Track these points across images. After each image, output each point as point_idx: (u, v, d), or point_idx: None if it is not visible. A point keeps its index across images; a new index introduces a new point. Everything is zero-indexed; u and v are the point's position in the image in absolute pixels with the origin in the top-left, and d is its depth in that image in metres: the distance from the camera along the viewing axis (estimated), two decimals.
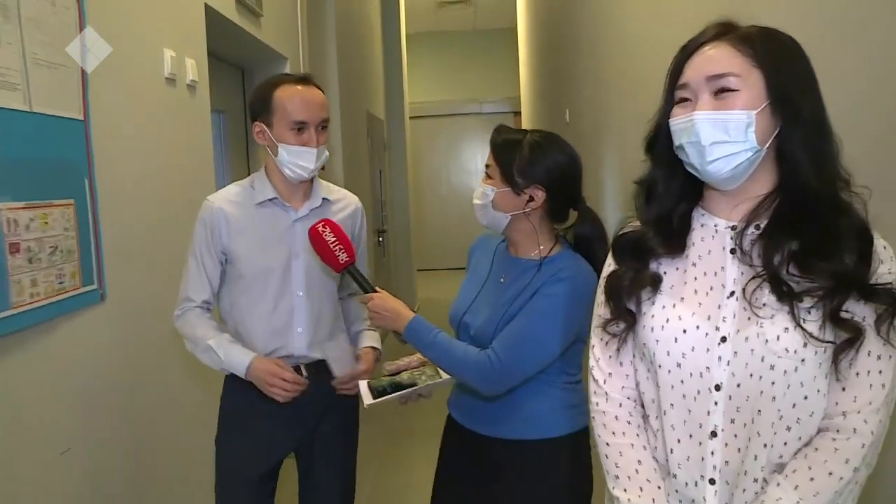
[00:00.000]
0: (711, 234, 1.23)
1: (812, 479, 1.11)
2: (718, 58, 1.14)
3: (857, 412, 1.12)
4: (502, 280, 1.81)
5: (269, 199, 2.00)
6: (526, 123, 9.35)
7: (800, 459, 1.14)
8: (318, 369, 2.04)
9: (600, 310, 1.34)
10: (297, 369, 2.01)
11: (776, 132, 1.14)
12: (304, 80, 2.02)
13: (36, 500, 1.69)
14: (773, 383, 1.13)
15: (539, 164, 1.74)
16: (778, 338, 1.11)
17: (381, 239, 7.18)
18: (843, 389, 1.13)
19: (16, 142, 1.60)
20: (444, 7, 10.32)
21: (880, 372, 1.11)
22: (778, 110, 1.13)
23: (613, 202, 3.69)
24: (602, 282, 1.36)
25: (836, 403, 1.13)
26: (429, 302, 8.89)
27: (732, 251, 1.19)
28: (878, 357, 1.11)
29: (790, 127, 1.13)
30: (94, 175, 1.92)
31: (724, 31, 1.17)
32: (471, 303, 1.85)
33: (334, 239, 1.82)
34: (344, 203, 2.15)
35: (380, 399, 1.85)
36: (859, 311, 1.10)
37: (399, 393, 1.85)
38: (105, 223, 1.96)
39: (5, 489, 1.59)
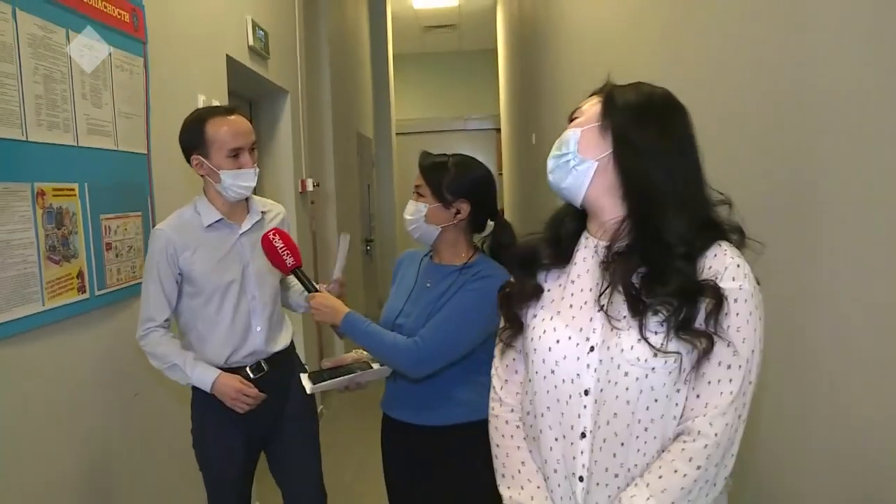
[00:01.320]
0: (591, 254, 1.32)
1: (661, 476, 1.19)
2: (585, 103, 1.34)
3: (704, 415, 1.18)
4: (428, 285, 2.00)
5: (217, 221, 2.20)
6: (504, 140, 9.99)
7: (655, 462, 1.22)
8: (276, 359, 2.29)
9: (500, 319, 1.46)
10: (258, 365, 2.25)
11: (609, 152, 1.26)
12: (229, 110, 2.21)
13: (116, 432, 2.34)
14: (627, 389, 1.21)
15: (463, 180, 1.97)
16: (631, 347, 1.21)
17: (368, 248, 7.79)
18: (698, 396, 1.20)
19: (110, 171, 2.27)
20: (430, 31, 10.96)
21: (730, 380, 1.18)
22: (608, 131, 1.26)
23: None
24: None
25: (692, 409, 1.21)
26: None
27: (604, 268, 1.28)
28: (728, 366, 1.18)
29: (617, 146, 1.25)
30: (154, 194, 2.59)
31: (604, 87, 1.33)
32: (401, 308, 2.01)
33: (282, 245, 2.03)
34: (273, 213, 2.37)
35: (318, 384, 2.03)
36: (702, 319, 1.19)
37: (336, 379, 2.03)
38: None
39: (98, 414, 2.23)
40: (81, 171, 2.10)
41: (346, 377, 2.04)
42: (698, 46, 1.89)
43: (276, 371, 2.29)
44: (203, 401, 2.23)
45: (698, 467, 1.17)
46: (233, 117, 2.17)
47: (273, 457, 2.40)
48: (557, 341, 1.29)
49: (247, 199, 2.28)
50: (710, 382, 1.19)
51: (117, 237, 2.30)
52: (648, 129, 1.24)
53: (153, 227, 2.55)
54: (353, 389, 2.10)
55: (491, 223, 2.04)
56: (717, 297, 1.17)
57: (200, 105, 3.07)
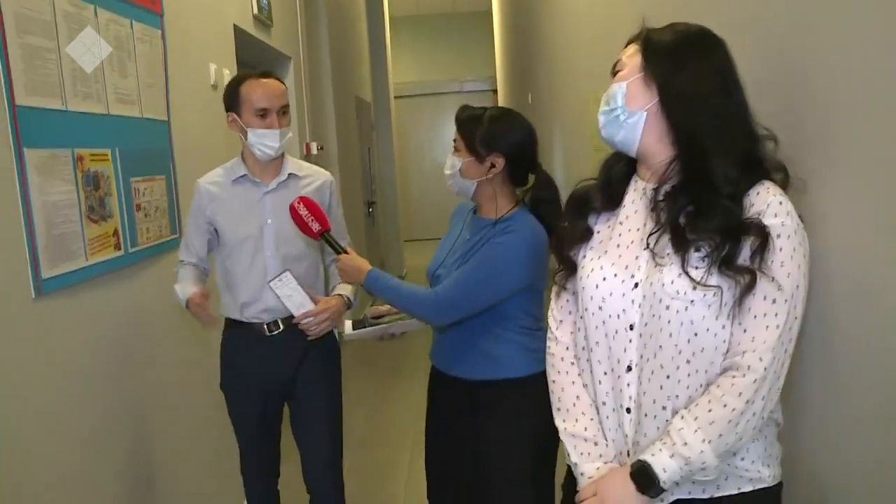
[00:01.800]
0: (640, 196, 1.38)
1: (710, 410, 1.22)
2: (624, 52, 1.37)
3: (753, 351, 1.20)
4: (468, 237, 2.04)
5: (241, 176, 2.34)
6: (501, 101, 10.09)
7: (703, 396, 1.25)
8: (293, 321, 2.32)
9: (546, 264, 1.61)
10: (274, 322, 2.35)
11: (655, 100, 1.29)
12: (265, 74, 2.34)
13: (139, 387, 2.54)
14: (669, 322, 1.26)
15: (497, 134, 1.96)
16: (672, 282, 1.25)
17: (370, 210, 7.96)
18: (745, 331, 1.22)
19: (136, 138, 2.44)
20: None
21: (776, 314, 1.19)
22: (652, 81, 1.29)
23: (561, 170, 4.50)
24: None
25: (739, 344, 1.23)
26: (415, 268, 9.46)
27: (652, 209, 1.32)
28: (774, 301, 1.20)
29: (662, 92, 1.28)
30: (175, 158, 2.76)
31: (640, 34, 1.36)
32: (443, 259, 2.08)
33: (307, 212, 2.11)
34: (312, 178, 2.43)
35: (356, 331, 2.16)
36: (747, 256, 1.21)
37: (369, 329, 2.15)
38: (181, 191, 2.79)
39: (142, 367, 2.43)
40: (113, 137, 2.27)
41: (379, 327, 2.15)
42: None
43: (296, 332, 2.33)
44: (225, 347, 2.45)
45: (747, 401, 1.20)
46: (266, 80, 2.30)
47: (292, 416, 2.50)
48: (604, 279, 1.36)
49: (282, 161, 2.39)
50: (756, 317, 1.21)
51: (145, 198, 2.48)
52: (689, 72, 1.26)
53: (175, 188, 2.74)
54: (386, 339, 2.19)
55: (532, 177, 2.05)
56: (763, 235, 1.19)
57: (212, 73, 3.23)
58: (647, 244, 1.31)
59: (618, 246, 1.37)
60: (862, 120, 1.21)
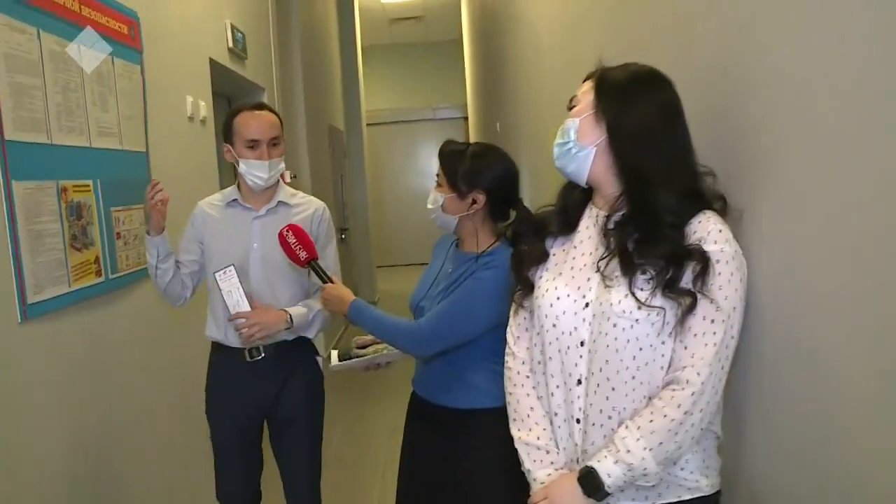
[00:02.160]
0: (594, 222, 1.48)
1: (651, 420, 1.31)
2: (581, 88, 1.47)
3: (692, 366, 1.30)
4: (450, 270, 2.05)
5: (233, 201, 2.42)
6: (472, 128, 10.27)
7: (646, 408, 1.34)
8: (278, 346, 2.39)
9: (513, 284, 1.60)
10: (256, 348, 2.37)
11: (604, 137, 1.39)
12: (259, 106, 2.41)
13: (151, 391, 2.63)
14: (615, 339, 1.35)
15: (479, 171, 1.97)
16: (619, 302, 1.34)
17: (343, 236, 8.06)
18: (685, 348, 1.31)
19: (117, 168, 2.55)
20: (396, 22, 11.20)
21: (714, 333, 1.29)
22: (602, 119, 1.39)
23: (527, 197, 4.60)
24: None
25: (680, 360, 1.32)
26: (387, 294, 9.60)
27: (604, 235, 1.42)
28: (712, 321, 1.29)
29: (610, 129, 1.38)
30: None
31: (596, 71, 1.46)
32: (426, 291, 2.09)
33: (295, 241, 2.15)
34: (304, 206, 2.48)
35: (343, 362, 2.19)
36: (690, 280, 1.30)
37: (356, 360, 2.18)
38: None
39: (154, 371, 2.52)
40: (95, 168, 2.38)
41: (365, 359, 2.17)
42: (633, 28, 2.13)
43: (279, 359, 2.40)
44: (210, 371, 2.49)
45: (685, 412, 1.29)
46: (259, 112, 2.38)
47: (271, 434, 2.54)
48: (558, 298, 1.44)
49: (275, 189, 2.44)
50: (695, 335, 1.30)
51: (125, 227, 2.58)
52: (637, 112, 1.36)
53: None
54: (372, 369, 2.22)
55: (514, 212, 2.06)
56: (704, 261, 1.29)
57: (188, 105, 3.35)
58: (598, 267, 1.40)
59: (571, 268, 1.46)
60: (792, 154, 1.32)
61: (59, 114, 2.16)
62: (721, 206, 1.40)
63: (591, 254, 1.45)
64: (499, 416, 1.65)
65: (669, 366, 1.35)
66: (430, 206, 2.06)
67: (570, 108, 1.47)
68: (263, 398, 2.43)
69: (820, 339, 1.25)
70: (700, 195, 1.38)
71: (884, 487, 1.11)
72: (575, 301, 1.42)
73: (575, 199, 1.53)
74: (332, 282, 2.13)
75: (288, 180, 5.09)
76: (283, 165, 2.42)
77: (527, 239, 1.58)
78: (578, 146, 1.41)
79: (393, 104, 12.61)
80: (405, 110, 12.64)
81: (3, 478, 1.85)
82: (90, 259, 2.32)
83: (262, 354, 2.38)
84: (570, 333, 1.42)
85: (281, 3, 5.48)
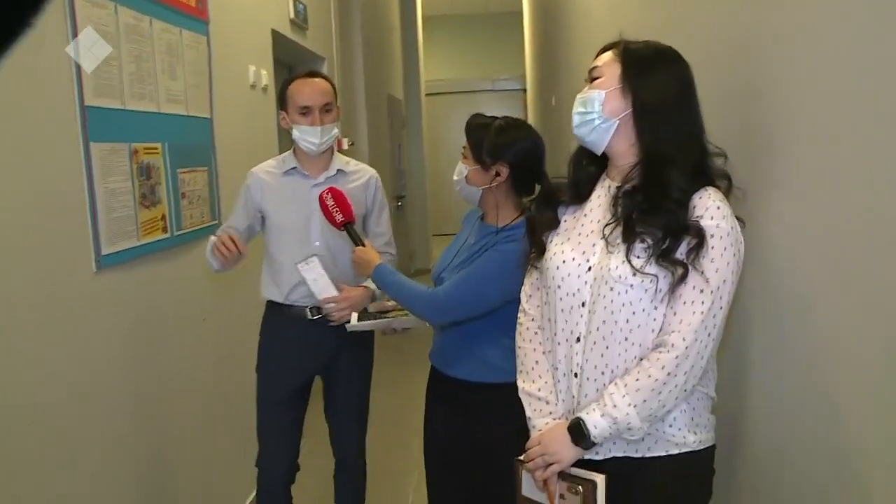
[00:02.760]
0: (605, 192, 1.57)
1: (637, 379, 1.42)
2: (598, 59, 1.54)
3: (678, 331, 1.39)
4: (472, 243, 2.10)
5: (292, 168, 2.49)
6: (529, 101, 10.32)
7: (635, 367, 1.44)
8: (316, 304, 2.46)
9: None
10: (318, 308, 2.45)
11: (629, 111, 1.46)
12: (312, 73, 2.49)
13: (178, 360, 2.84)
14: (611, 301, 1.45)
15: (503, 144, 1.99)
16: (616, 267, 1.44)
17: (399, 204, 8.24)
18: (674, 314, 1.41)
19: (183, 133, 2.74)
20: None
21: (702, 302, 1.38)
22: (628, 93, 1.46)
23: None
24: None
25: (668, 324, 1.42)
26: None
27: (613, 204, 1.51)
28: (701, 291, 1.38)
29: (635, 104, 1.46)
30: (216, 152, 3.05)
31: (617, 43, 1.53)
32: (449, 262, 2.13)
33: (333, 203, 2.23)
34: (359, 174, 2.58)
35: (359, 322, 2.33)
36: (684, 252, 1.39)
37: (372, 321, 2.31)
38: (221, 182, 3.09)
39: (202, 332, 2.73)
40: (163, 132, 2.57)
41: (381, 321, 2.29)
42: (667, 5, 2.19)
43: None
44: (266, 328, 2.59)
45: (669, 374, 1.39)
46: (311, 79, 2.46)
47: (326, 395, 2.66)
48: (564, 261, 1.54)
49: (331, 156, 2.53)
50: (685, 303, 1.39)
51: (190, 188, 2.78)
52: (660, 88, 1.45)
53: (216, 179, 3.03)
54: (389, 334, 2.33)
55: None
56: (699, 236, 1.37)
57: (251, 74, 3.53)
58: (603, 233, 1.49)
59: (579, 234, 1.56)
60: (803, 140, 1.42)
61: (132, 82, 2.35)
62: (726, 186, 1.48)
63: (599, 221, 1.53)
64: (509, 392, 1.68)
65: (661, 330, 1.44)
66: (455, 177, 2.10)
67: (592, 79, 1.53)
68: (321, 354, 2.54)
69: (825, 309, 1.34)
70: (705, 172, 1.47)
71: (872, 454, 1.20)
72: (579, 265, 1.52)
73: (588, 173, 1.62)
74: (364, 245, 2.22)
75: (345, 147, 5.28)
76: (336, 131, 2.49)
77: (540, 207, 1.69)
78: (602, 118, 1.48)
79: (452, 75, 12.68)
80: (465, 81, 12.70)
81: (71, 416, 2.06)
82: (157, 216, 2.52)
83: (322, 314, 2.47)
84: (574, 294, 1.52)
85: None
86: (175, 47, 2.67)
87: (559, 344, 1.57)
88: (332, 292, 2.40)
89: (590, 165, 1.62)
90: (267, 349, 2.60)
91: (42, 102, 1.95)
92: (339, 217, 2.25)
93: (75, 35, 2.03)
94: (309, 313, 2.49)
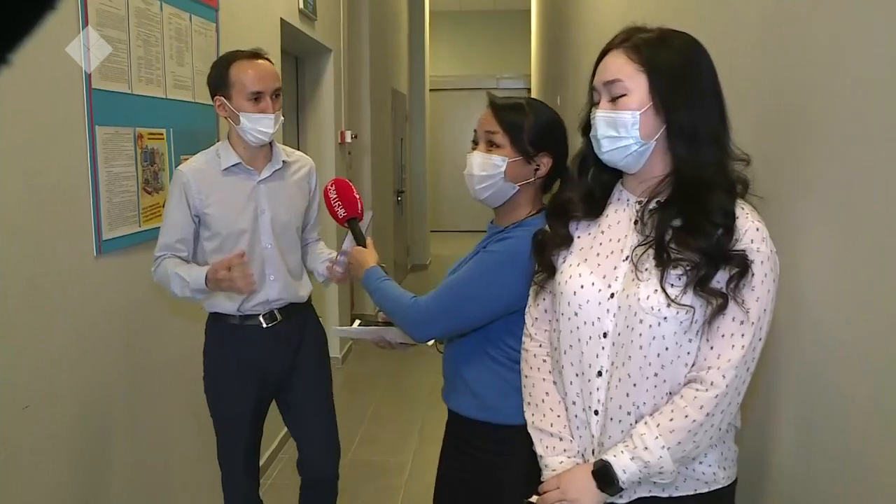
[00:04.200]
0: (623, 207, 1.40)
1: (671, 419, 1.28)
2: (612, 66, 1.33)
3: (717, 368, 1.26)
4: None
5: (234, 165, 2.21)
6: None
7: (667, 405, 1.30)
8: (290, 310, 2.33)
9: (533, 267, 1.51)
10: (271, 314, 2.28)
11: (663, 129, 1.30)
12: (256, 55, 2.19)
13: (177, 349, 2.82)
14: (640, 335, 1.29)
15: (549, 129, 1.69)
16: (648, 297, 1.28)
17: (399, 198, 8.23)
18: (711, 348, 1.27)
19: (188, 119, 2.72)
20: None
21: (742, 335, 1.25)
22: (661, 110, 1.30)
23: None
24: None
25: (705, 359, 1.28)
26: (440, 258, 9.80)
27: (636, 222, 1.36)
28: (741, 322, 1.25)
29: (671, 124, 1.30)
30: (220, 138, 3.02)
31: (624, 39, 1.34)
32: (455, 269, 1.81)
33: (335, 196, 2.05)
34: (299, 164, 2.38)
35: (344, 328, 2.25)
36: (724, 281, 1.25)
37: (361, 327, 2.05)
38: None
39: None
40: (168, 118, 2.55)
41: (370, 328, 1.99)
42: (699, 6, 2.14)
43: (291, 322, 2.35)
44: (216, 341, 2.34)
45: (707, 414, 1.26)
46: (258, 61, 2.18)
47: (286, 407, 2.45)
48: (582, 286, 1.38)
49: (271, 147, 2.30)
50: (723, 336, 1.26)
51: None
52: (693, 101, 1.30)
53: None
54: (384, 347, 1.99)
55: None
56: (743, 266, 1.24)
57: None
58: (630, 256, 1.34)
59: (598, 255, 1.40)
60: (837, 143, 1.30)
61: (139, 66, 2.33)
62: (741, 191, 1.33)
63: (619, 241, 1.39)
64: (511, 434, 1.53)
65: (694, 363, 1.31)
66: (480, 172, 1.69)
67: (614, 97, 1.33)
68: (281, 362, 2.35)
69: (859, 334, 1.24)
70: (735, 185, 1.33)
71: None
72: (600, 290, 1.37)
73: (602, 181, 1.45)
74: (364, 246, 1.98)
75: (349, 140, 5.26)
76: (283, 119, 2.29)
77: (551, 221, 1.50)
78: (640, 142, 1.32)
79: (457, 71, 12.68)
80: (469, 78, 12.69)
81: (70, 402, 2.04)
82: (159, 203, 2.49)
83: (279, 318, 2.31)
84: (593, 324, 1.37)
85: None
86: (184, 33, 2.65)
87: (576, 376, 1.41)
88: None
89: (601, 173, 1.44)
90: (220, 366, 2.34)
91: (49, 85, 1.93)
92: (341, 213, 2.07)
93: (85, 16, 2.01)
94: (263, 321, 2.31)
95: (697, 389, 1.27)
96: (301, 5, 4.17)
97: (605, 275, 1.37)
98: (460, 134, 12.85)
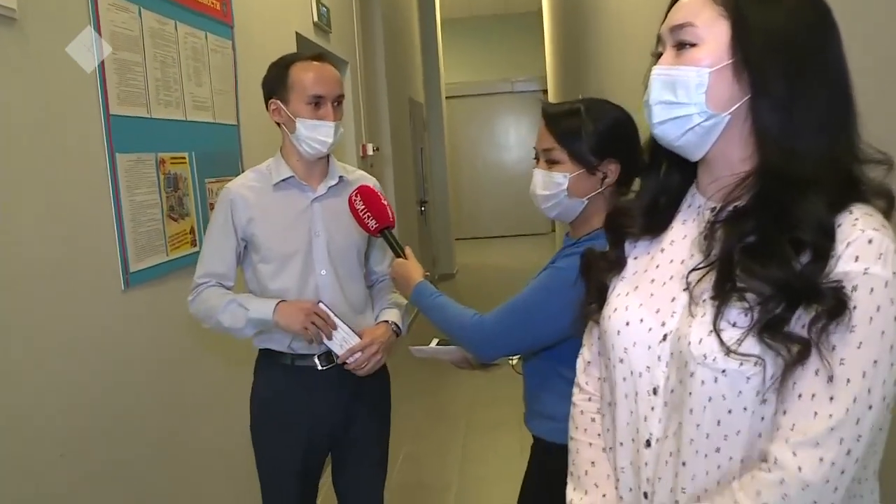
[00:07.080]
0: (693, 216, 1.04)
1: None
2: (686, 6, 0.97)
3: (786, 441, 0.86)
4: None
5: (285, 179, 1.96)
6: (552, 101, 10.20)
7: (718, 489, 0.93)
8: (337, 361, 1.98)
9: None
10: (327, 355, 1.97)
11: (747, 98, 0.93)
12: (319, 56, 1.98)
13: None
14: (690, 394, 0.93)
15: (606, 132, 1.53)
16: (700, 341, 0.92)
17: (422, 209, 8.14)
18: (784, 413, 0.88)
19: (210, 141, 2.62)
20: None
21: (831, 398, 0.84)
22: (746, 73, 0.92)
23: None
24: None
25: (777, 428, 0.89)
26: (466, 267, 9.72)
27: (705, 237, 0.98)
28: (831, 379, 0.85)
29: (758, 92, 0.92)
30: (243, 159, 2.94)
31: None
32: None
33: (363, 207, 1.84)
34: (361, 183, 2.01)
35: (423, 347, 1.88)
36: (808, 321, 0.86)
37: (439, 347, 1.86)
38: None
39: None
40: (190, 141, 2.45)
41: (453, 347, 1.81)
42: None
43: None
44: (264, 384, 2.08)
45: None
46: (321, 64, 1.96)
47: (336, 462, 2.15)
48: (627, 323, 1.04)
49: (328, 162, 2.04)
50: (801, 397, 0.86)
51: (216, 198, 2.66)
52: (803, 69, 0.91)
53: None
54: (463, 367, 1.86)
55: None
56: (839, 305, 0.84)
57: None
58: (687, 282, 0.98)
59: (652, 281, 1.04)
60: None
61: (157, 88, 2.23)
62: (884, 205, 0.92)
63: (682, 262, 1.02)
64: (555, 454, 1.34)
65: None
66: (542, 191, 1.57)
67: (679, 44, 0.97)
68: (334, 414, 2.04)
69: None
70: (856, 188, 0.92)
71: None
72: (650, 329, 1.01)
73: (669, 185, 1.08)
74: (404, 256, 1.83)
75: (370, 153, 5.17)
76: (343, 130, 2.01)
77: (607, 237, 1.16)
78: (706, 112, 0.94)
79: (471, 77, 12.63)
80: (483, 83, 12.66)
81: (101, 442, 1.94)
82: (186, 229, 2.40)
83: (336, 360, 1.99)
84: (641, 374, 1.01)
85: None
86: (200, 52, 2.56)
87: (621, 444, 1.06)
88: (353, 342, 1.94)
89: (673, 171, 1.08)
90: (265, 411, 2.07)
91: (65, 112, 1.83)
92: (371, 224, 1.86)
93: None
94: (318, 362, 2.01)
95: (760, 468, 0.89)
96: (315, 18, 4.08)
97: (658, 308, 1.01)
98: (477, 140, 12.86)
